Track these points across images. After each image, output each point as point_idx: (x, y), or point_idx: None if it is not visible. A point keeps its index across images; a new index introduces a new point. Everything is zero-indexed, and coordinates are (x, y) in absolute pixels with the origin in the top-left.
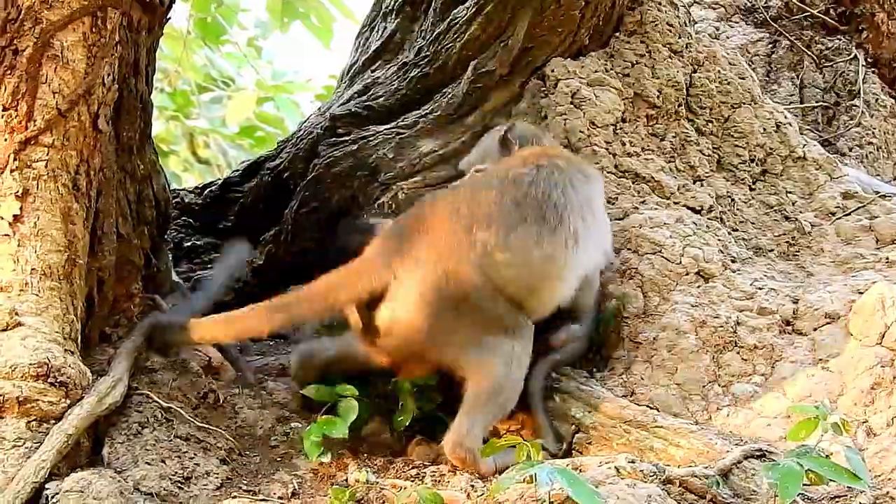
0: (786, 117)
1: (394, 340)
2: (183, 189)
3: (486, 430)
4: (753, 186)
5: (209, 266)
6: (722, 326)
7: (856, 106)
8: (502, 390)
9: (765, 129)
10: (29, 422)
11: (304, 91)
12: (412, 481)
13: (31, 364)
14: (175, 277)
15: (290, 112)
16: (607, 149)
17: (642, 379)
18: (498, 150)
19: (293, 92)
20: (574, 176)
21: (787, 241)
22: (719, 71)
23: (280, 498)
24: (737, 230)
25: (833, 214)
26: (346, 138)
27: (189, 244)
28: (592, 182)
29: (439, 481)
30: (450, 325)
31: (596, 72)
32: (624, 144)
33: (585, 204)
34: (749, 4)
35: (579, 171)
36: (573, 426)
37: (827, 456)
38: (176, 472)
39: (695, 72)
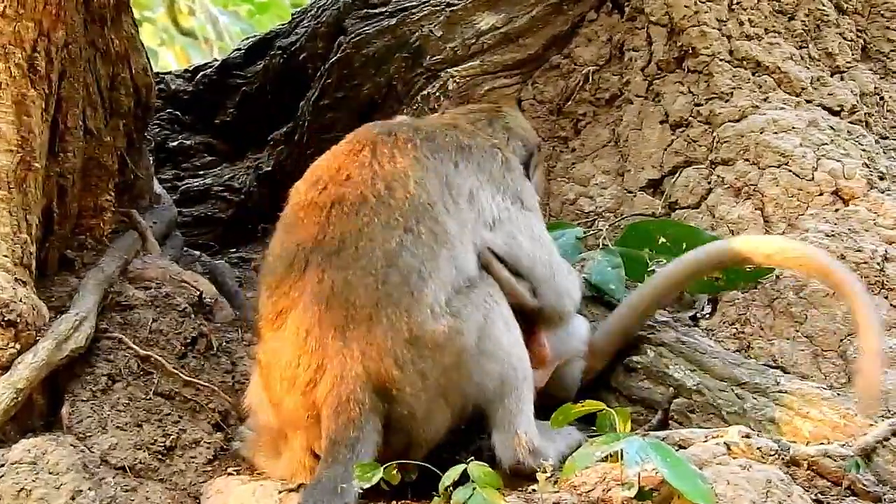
0: None
1: None
2: (168, 72)
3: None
4: None
5: (201, 174)
6: (866, 262)
7: None
8: (525, 374)
9: None
10: None
11: None
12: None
13: None
14: (157, 187)
15: None
16: (720, 29)
17: (761, 329)
18: None
19: None
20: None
21: None
22: None
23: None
24: (886, 137)
25: None
26: (382, 10)
27: (175, 144)
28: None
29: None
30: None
31: None
32: (742, 24)
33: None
34: None
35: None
36: (671, 389)
37: None
38: (156, 441)
39: None
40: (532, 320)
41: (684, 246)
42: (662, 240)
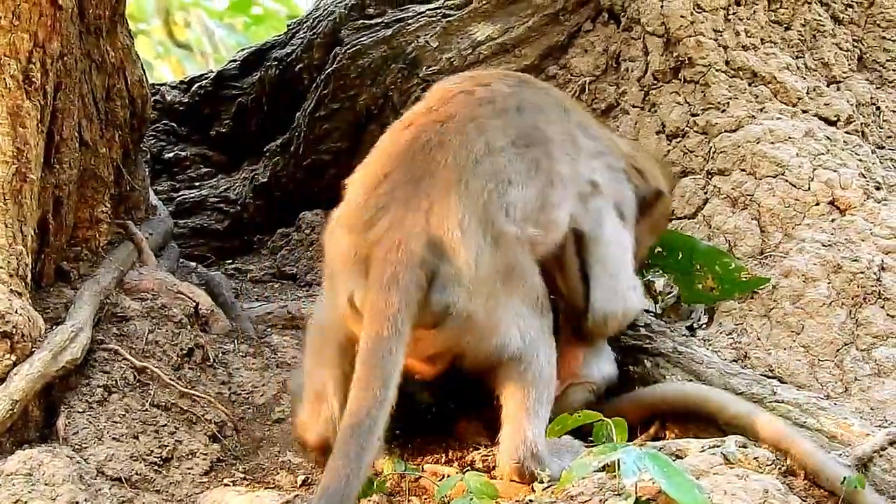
0: None
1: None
2: (164, 84)
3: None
4: None
5: (196, 185)
6: (862, 273)
7: None
8: (550, 379)
9: None
10: None
11: None
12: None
13: None
14: (153, 198)
15: None
16: (716, 40)
17: (758, 339)
18: None
19: None
20: None
21: None
22: None
23: (285, 488)
24: (883, 147)
25: None
26: (378, 21)
27: (171, 155)
28: None
29: (491, 467)
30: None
31: None
32: (738, 34)
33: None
34: None
35: None
36: None
37: None
38: (152, 452)
39: None
40: (572, 326)
41: (680, 256)
42: (659, 250)
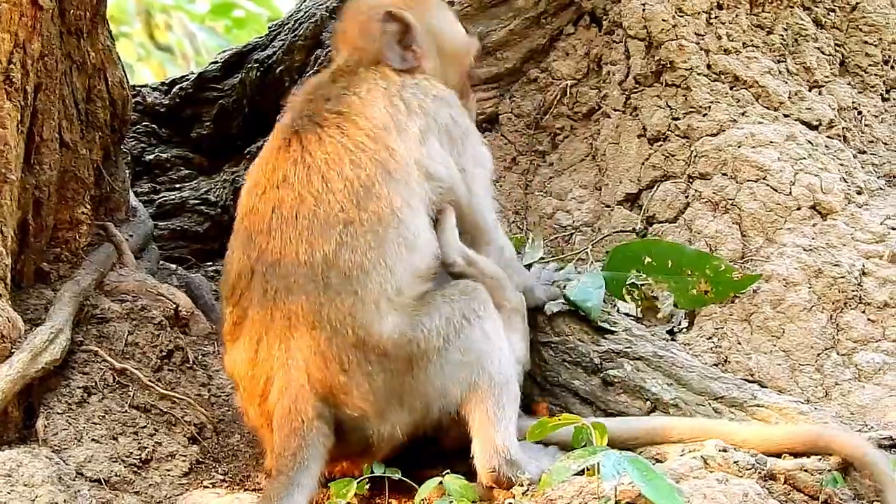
0: None
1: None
2: (145, 85)
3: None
4: (887, 96)
5: (177, 187)
6: (843, 277)
7: None
8: (508, 376)
9: None
10: None
11: None
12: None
13: None
14: (133, 200)
15: None
16: (698, 44)
17: (739, 343)
18: None
19: None
20: None
21: None
22: None
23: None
24: (864, 152)
25: None
26: None
27: (152, 157)
28: None
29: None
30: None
31: None
32: (720, 38)
33: None
34: None
35: None
36: (648, 403)
37: None
38: (131, 453)
39: None
40: None
41: (669, 264)
42: (648, 260)
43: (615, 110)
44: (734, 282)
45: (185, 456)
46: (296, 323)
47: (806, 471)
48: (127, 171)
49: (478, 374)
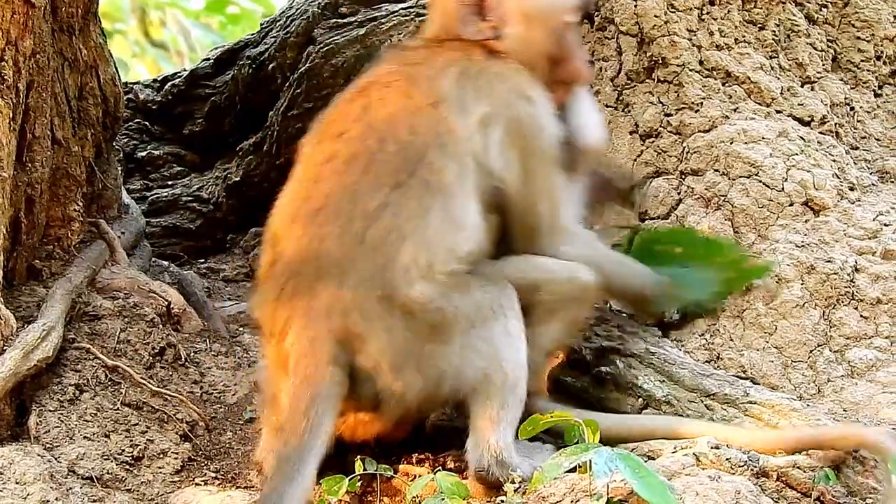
0: None
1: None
2: (137, 83)
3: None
4: (879, 91)
5: (169, 184)
6: (836, 273)
7: None
8: (516, 380)
9: None
10: None
11: None
12: (427, 465)
13: None
14: (125, 197)
15: None
16: (690, 39)
17: (731, 340)
18: None
19: None
20: None
21: None
22: None
23: (257, 488)
24: (857, 148)
25: None
26: (351, 20)
27: (144, 154)
28: None
29: (463, 468)
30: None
31: None
32: (712, 34)
33: None
34: None
35: None
36: (640, 400)
37: None
38: (123, 451)
39: None
40: None
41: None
42: (678, 250)
43: (607, 106)
44: (748, 270)
45: (177, 453)
46: (326, 270)
47: (798, 468)
48: (119, 169)
49: (493, 368)
